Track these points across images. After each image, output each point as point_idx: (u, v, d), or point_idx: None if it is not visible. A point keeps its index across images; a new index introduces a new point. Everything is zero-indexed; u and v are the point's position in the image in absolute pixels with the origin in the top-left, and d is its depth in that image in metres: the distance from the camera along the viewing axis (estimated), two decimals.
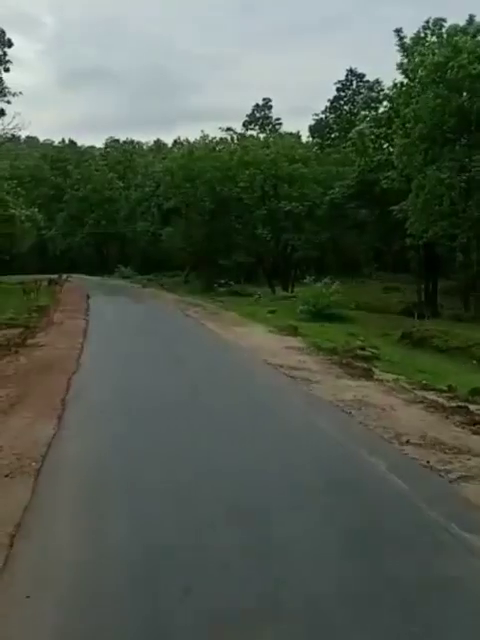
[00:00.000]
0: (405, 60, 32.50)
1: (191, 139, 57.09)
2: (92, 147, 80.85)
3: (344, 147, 43.12)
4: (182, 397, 9.83)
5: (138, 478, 6.15)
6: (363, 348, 15.99)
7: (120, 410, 8.94)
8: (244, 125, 70.56)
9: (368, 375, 11.99)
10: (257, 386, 11.16)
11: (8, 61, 36.87)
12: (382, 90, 39.42)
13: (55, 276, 40.63)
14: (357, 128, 37.67)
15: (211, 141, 48.62)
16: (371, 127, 35.74)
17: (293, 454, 7.08)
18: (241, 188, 42.44)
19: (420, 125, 28.69)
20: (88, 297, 30.77)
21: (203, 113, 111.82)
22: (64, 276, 40.48)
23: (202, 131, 58.16)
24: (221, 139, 52.22)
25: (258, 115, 73.85)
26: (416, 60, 30.14)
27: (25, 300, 28.04)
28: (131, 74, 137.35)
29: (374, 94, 40.87)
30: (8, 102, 36.17)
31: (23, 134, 53.65)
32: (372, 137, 35.77)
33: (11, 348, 14.18)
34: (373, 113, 38.59)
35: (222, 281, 42.11)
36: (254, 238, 43.79)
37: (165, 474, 6.29)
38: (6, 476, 6.12)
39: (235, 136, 54.75)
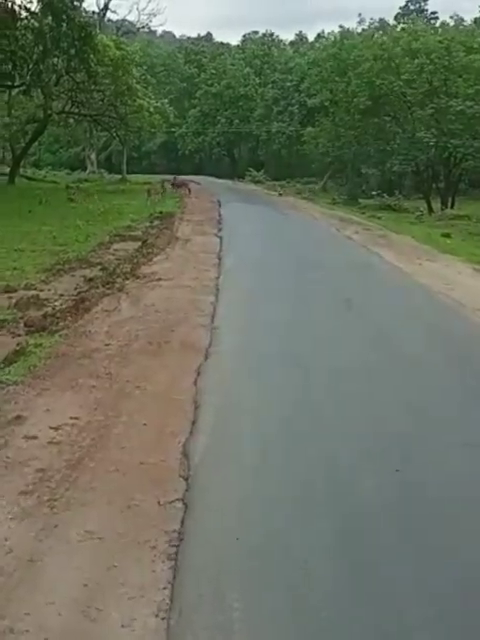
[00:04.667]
0: None
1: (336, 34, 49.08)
2: (228, 44, 74.69)
3: None
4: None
5: None
6: None
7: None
8: (396, 19, 62.15)
9: None
10: None
11: None
12: None
13: (182, 177, 36.20)
14: None
15: (370, 26, 41.26)
16: None
17: None
18: (404, 81, 35.35)
19: None
20: (219, 204, 26.16)
21: (344, 11, 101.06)
22: (196, 180, 35.51)
23: (359, 14, 49.73)
24: (380, 22, 44.51)
25: (412, 8, 65.35)
26: None
27: (148, 204, 24.07)
28: None
29: None
30: None
31: (159, 28, 48.38)
32: None
33: (116, 280, 9.62)
34: None
35: (373, 192, 36.19)
36: (413, 143, 36.96)
37: None
38: None
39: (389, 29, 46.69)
